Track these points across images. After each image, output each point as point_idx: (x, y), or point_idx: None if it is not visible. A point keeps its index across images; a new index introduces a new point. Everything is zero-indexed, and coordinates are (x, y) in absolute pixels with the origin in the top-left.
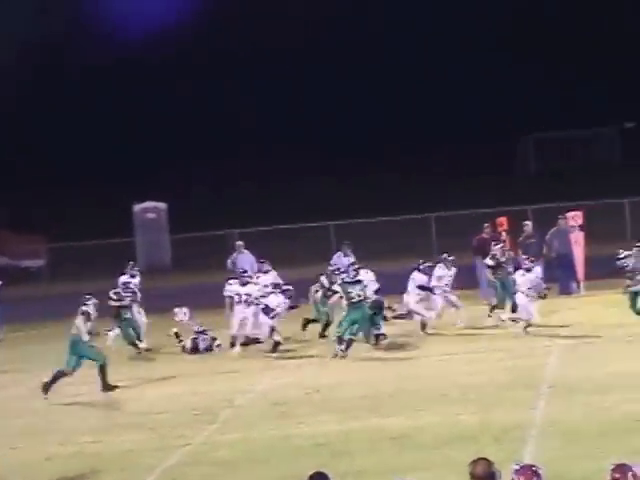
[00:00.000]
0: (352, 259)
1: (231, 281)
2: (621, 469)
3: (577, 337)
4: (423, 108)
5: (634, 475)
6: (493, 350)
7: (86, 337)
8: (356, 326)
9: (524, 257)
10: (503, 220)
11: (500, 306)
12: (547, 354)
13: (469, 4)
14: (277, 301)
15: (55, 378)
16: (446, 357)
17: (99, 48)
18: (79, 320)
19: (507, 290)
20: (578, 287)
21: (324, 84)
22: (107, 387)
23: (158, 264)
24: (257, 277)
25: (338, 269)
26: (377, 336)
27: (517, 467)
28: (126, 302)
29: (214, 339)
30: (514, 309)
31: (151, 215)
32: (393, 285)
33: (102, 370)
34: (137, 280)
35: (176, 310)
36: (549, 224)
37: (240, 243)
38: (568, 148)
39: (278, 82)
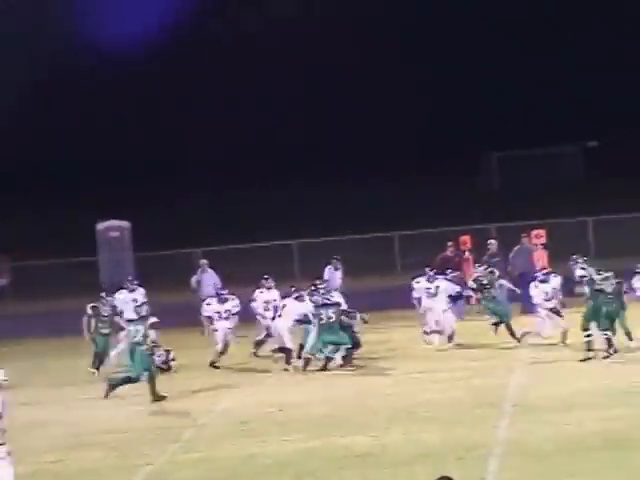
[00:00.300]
0: (341, 274)
1: (209, 300)
2: None
3: (540, 355)
4: (386, 125)
5: None
6: (457, 369)
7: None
8: (331, 347)
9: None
10: (467, 238)
11: (506, 320)
12: (510, 373)
13: (436, 22)
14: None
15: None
16: (411, 375)
17: (63, 64)
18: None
19: (503, 305)
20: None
21: (287, 100)
22: (157, 397)
23: (121, 283)
24: (261, 292)
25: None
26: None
27: None
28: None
29: (167, 352)
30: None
31: (114, 234)
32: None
33: (151, 380)
34: (141, 292)
35: None
36: (512, 242)
37: (204, 261)
38: (531, 166)
39: (236, 97)
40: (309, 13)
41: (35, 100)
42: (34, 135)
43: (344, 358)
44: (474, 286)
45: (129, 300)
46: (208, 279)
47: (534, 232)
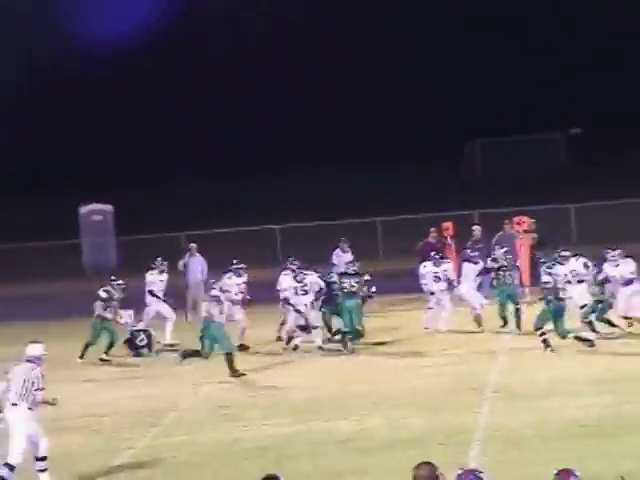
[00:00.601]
0: (350, 255)
1: (285, 274)
2: (564, 474)
3: (522, 342)
4: (369, 112)
5: None
6: (440, 355)
7: (220, 320)
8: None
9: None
10: (449, 225)
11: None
12: (492, 359)
13: (419, 9)
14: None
15: (191, 355)
16: (393, 361)
17: (47, 47)
18: (209, 304)
19: (515, 289)
20: (523, 292)
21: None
22: (235, 373)
23: (103, 266)
24: (285, 275)
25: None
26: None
27: (460, 472)
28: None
29: (149, 335)
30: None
31: (97, 217)
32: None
33: (228, 358)
34: (165, 277)
35: (121, 312)
36: (495, 229)
37: (193, 245)
38: (514, 153)
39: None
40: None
41: (20, 86)
42: (18, 120)
43: (342, 341)
44: (494, 266)
45: (157, 280)
46: (195, 263)
47: (516, 219)
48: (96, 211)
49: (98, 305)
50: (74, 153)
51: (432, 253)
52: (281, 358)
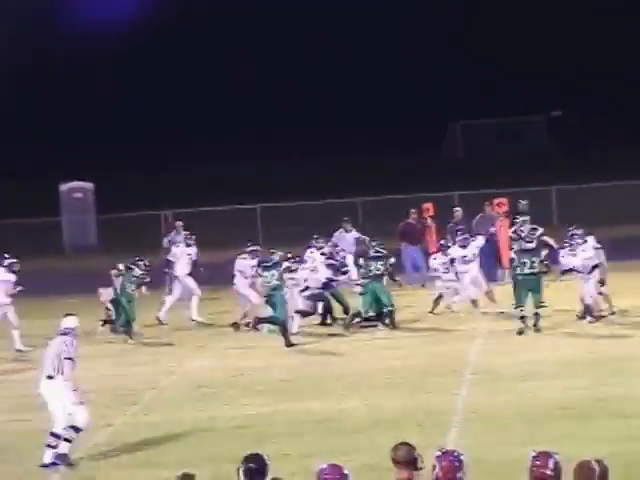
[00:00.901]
0: (355, 234)
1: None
2: (543, 457)
3: (501, 324)
4: (352, 93)
5: (555, 463)
6: (418, 335)
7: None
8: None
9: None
10: (429, 206)
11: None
12: (471, 341)
13: None
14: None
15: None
16: (372, 342)
17: (30, 28)
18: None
19: None
20: (503, 274)
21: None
22: (289, 344)
23: (83, 244)
24: (312, 252)
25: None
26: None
27: (439, 453)
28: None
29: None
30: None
31: (78, 195)
32: None
33: (283, 328)
34: (194, 250)
35: (101, 290)
36: (475, 210)
37: (179, 223)
38: (496, 135)
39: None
40: None
41: (2, 65)
42: (1, 96)
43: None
44: (514, 236)
45: (184, 254)
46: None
47: (496, 200)
48: (77, 189)
49: (116, 280)
50: (56, 130)
51: (441, 242)
52: (261, 338)
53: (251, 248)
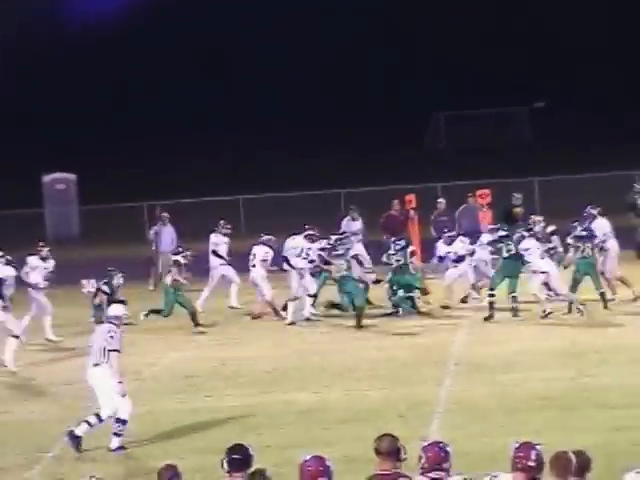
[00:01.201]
0: (360, 224)
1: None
2: (525, 447)
3: (484, 314)
4: (333, 83)
5: (537, 454)
6: (401, 327)
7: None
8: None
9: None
10: (411, 197)
11: None
12: (454, 331)
13: None
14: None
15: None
16: (355, 333)
17: (16, 17)
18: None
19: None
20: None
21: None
22: (360, 326)
23: (66, 235)
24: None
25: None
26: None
27: (425, 444)
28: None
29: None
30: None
31: (60, 186)
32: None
33: (358, 312)
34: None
35: (84, 282)
36: (458, 202)
37: (165, 215)
38: (478, 126)
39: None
40: None
41: None
42: None
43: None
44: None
45: (222, 242)
46: (167, 233)
47: (479, 192)
48: (59, 180)
49: (174, 271)
50: (38, 122)
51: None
52: (244, 329)
53: (309, 232)
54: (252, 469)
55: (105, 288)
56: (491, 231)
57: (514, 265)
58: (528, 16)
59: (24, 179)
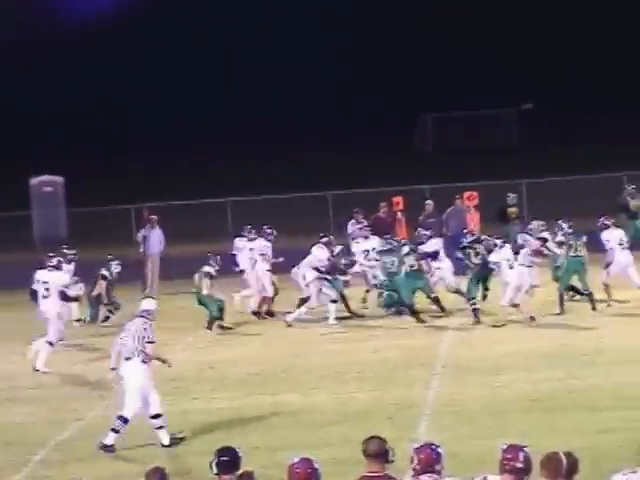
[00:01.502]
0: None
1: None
2: (513, 449)
3: (472, 317)
4: (321, 86)
5: (525, 456)
6: (389, 329)
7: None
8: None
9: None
10: (399, 199)
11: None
12: (442, 333)
13: None
14: None
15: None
16: (343, 335)
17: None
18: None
19: None
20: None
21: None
22: (420, 321)
23: (54, 238)
24: (357, 243)
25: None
26: None
27: (417, 445)
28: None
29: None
30: None
31: (48, 189)
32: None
33: (411, 310)
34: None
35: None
36: (446, 204)
37: (154, 217)
38: (466, 128)
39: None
40: None
41: None
42: None
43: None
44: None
45: (244, 247)
46: (155, 236)
47: (467, 194)
48: (47, 182)
49: (206, 281)
50: (26, 124)
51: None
52: (232, 331)
53: (325, 239)
54: (240, 471)
55: (106, 273)
56: (465, 235)
57: (486, 271)
58: (516, 18)
59: (11, 181)
